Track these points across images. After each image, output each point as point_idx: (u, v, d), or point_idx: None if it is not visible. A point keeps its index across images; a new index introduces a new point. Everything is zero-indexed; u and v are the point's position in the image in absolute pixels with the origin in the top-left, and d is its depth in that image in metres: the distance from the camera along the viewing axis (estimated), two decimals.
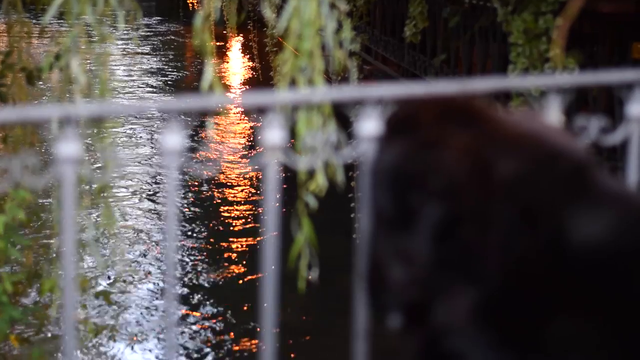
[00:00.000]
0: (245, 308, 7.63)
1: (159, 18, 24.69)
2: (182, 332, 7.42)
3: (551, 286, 1.65)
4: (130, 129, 13.31)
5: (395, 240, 1.64)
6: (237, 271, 8.63)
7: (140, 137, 13.25)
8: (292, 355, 7.06)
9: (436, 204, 1.62)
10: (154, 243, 9.29)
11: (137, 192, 10.71)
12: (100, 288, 7.24)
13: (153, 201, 10.51)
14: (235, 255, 8.91)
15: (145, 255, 8.96)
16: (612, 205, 1.68)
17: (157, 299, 7.95)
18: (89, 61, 3.50)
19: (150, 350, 7.18)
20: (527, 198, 1.67)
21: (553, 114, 2.68)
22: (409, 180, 1.65)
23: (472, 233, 1.64)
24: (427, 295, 1.67)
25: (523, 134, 1.82)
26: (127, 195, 10.51)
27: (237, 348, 7.20)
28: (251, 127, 13.86)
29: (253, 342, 7.22)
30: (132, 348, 7.09)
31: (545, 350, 1.62)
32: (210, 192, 10.79)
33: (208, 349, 7.28)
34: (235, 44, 19.86)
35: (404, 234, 1.65)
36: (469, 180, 1.66)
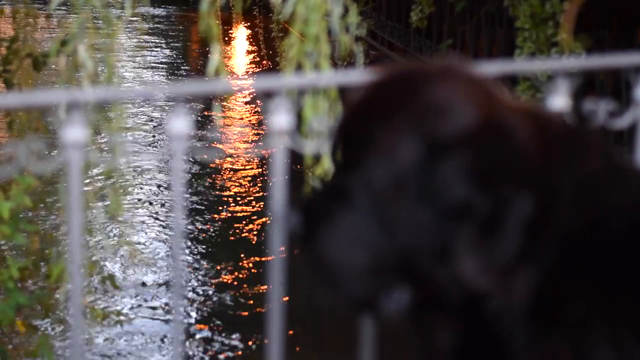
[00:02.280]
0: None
1: (166, 4, 24.62)
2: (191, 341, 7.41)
3: (594, 259, 1.63)
4: (137, 115, 13.30)
5: (478, 232, 1.58)
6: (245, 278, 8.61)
7: (147, 122, 13.23)
8: (298, 340, 7.06)
9: (525, 193, 1.58)
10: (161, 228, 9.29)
11: (143, 183, 10.70)
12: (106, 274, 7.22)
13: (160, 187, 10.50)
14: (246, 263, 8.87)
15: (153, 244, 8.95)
16: (631, 178, 1.68)
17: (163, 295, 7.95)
18: (96, 47, 3.49)
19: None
20: (575, 169, 1.65)
21: (560, 98, 2.67)
22: (496, 174, 1.59)
23: (545, 211, 1.61)
24: (496, 282, 1.63)
25: (539, 109, 1.82)
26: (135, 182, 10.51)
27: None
28: (258, 112, 13.83)
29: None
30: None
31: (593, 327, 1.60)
32: (216, 179, 10.77)
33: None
34: (241, 30, 19.82)
35: (490, 226, 1.58)
36: (543, 161, 1.63)
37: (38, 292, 3.72)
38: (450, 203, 1.59)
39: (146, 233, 9.07)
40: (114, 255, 7.95)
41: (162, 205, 9.88)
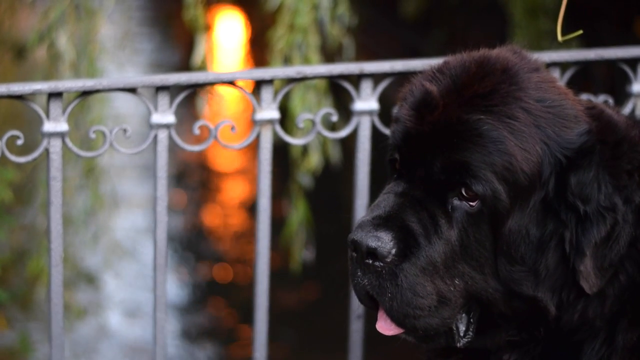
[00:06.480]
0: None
1: None
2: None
3: None
4: (120, 105, 13.19)
5: (607, 232, 1.52)
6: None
7: (130, 114, 13.13)
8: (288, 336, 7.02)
9: None
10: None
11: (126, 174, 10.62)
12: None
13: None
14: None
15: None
16: None
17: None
18: (77, 37, 3.41)
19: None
20: None
21: None
22: (625, 172, 1.55)
23: None
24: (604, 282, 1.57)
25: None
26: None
27: None
28: (245, 104, 13.78)
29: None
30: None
31: None
32: (201, 173, 10.71)
33: None
34: (228, 20, 19.75)
35: (614, 225, 1.53)
36: None
37: (16, 291, 3.65)
38: (594, 208, 1.50)
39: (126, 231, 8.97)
40: (93, 249, 7.84)
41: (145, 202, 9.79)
